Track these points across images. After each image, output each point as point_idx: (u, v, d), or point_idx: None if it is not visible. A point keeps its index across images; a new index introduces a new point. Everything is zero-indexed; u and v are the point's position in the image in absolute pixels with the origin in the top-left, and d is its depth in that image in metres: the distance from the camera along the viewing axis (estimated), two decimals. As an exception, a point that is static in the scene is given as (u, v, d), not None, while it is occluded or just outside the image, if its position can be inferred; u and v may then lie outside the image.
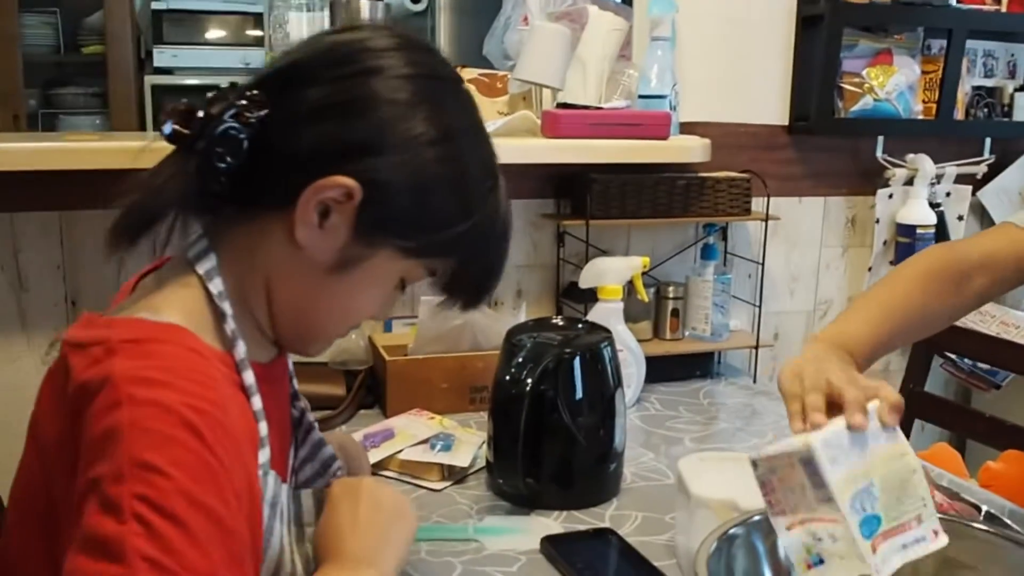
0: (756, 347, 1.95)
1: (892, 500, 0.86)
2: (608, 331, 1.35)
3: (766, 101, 2.03)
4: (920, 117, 2.14)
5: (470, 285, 0.91)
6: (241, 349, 0.79)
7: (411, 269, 0.87)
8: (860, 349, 1.03)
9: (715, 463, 1.12)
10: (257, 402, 0.79)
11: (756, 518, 0.94)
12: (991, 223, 2.31)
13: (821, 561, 0.84)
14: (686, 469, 1.10)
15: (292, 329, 0.87)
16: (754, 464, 0.88)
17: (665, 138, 1.73)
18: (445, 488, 1.33)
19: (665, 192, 1.80)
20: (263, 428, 0.79)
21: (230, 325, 0.79)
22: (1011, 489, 1.55)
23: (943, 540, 0.86)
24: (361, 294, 0.85)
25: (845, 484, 0.84)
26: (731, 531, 0.92)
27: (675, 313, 1.89)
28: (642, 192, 1.79)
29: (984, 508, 1.24)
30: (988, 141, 2.24)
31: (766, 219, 1.89)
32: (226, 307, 0.80)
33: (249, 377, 0.79)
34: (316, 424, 1.03)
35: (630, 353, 1.68)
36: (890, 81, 2.07)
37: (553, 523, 1.23)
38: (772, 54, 2.02)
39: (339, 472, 1.01)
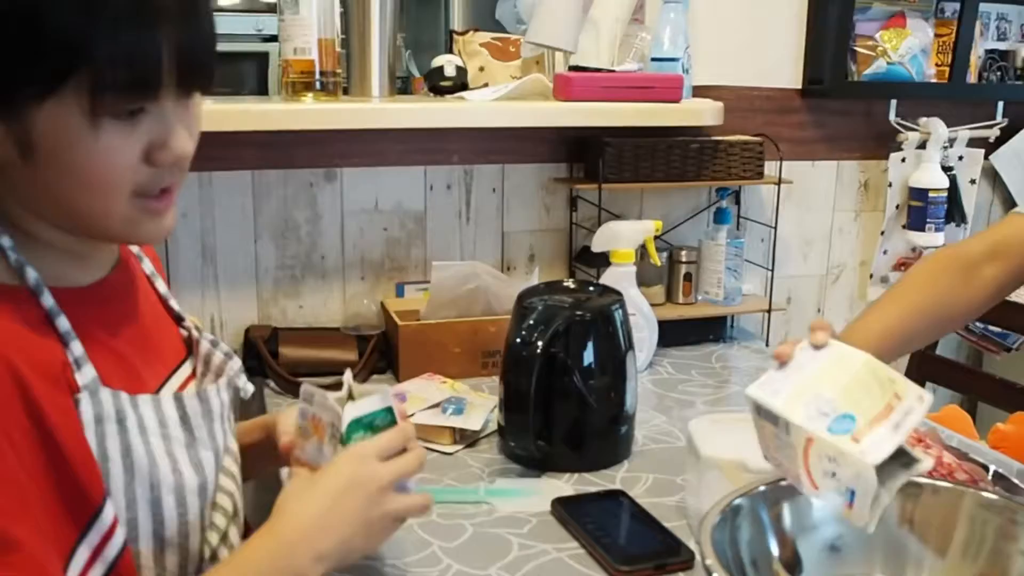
0: (769, 311, 1.95)
1: (860, 396, 0.86)
2: (619, 294, 1.35)
3: (779, 64, 2.02)
4: (933, 80, 2.12)
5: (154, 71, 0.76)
6: (31, 276, 0.78)
7: (85, 105, 0.73)
8: (873, 347, 1.03)
9: (726, 425, 1.13)
10: (63, 323, 0.78)
11: (761, 488, 0.94)
12: (1003, 187, 2.31)
13: (852, 492, 0.84)
14: (696, 431, 1.11)
15: (74, 228, 0.82)
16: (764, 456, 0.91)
17: (677, 101, 1.72)
18: (457, 452, 1.35)
19: (678, 156, 1.80)
20: (76, 348, 0.78)
21: (11, 256, 0.78)
22: (1020, 450, 1.56)
23: (929, 398, 0.85)
24: (75, 161, 0.75)
25: (791, 403, 0.87)
26: (736, 502, 0.93)
27: (688, 277, 1.89)
28: (655, 156, 1.78)
29: (992, 468, 1.25)
30: (1001, 105, 2.22)
31: (779, 183, 1.89)
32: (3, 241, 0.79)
33: (47, 301, 0.78)
34: (217, 347, 1.00)
35: (642, 317, 1.69)
36: (903, 44, 2.06)
37: (564, 485, 1.24)
38: (786, 17, 2.01)
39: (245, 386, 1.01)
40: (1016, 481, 1.21)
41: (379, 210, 1.78)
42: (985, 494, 0.98)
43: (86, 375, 0.78)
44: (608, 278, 1.66)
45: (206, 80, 0.81)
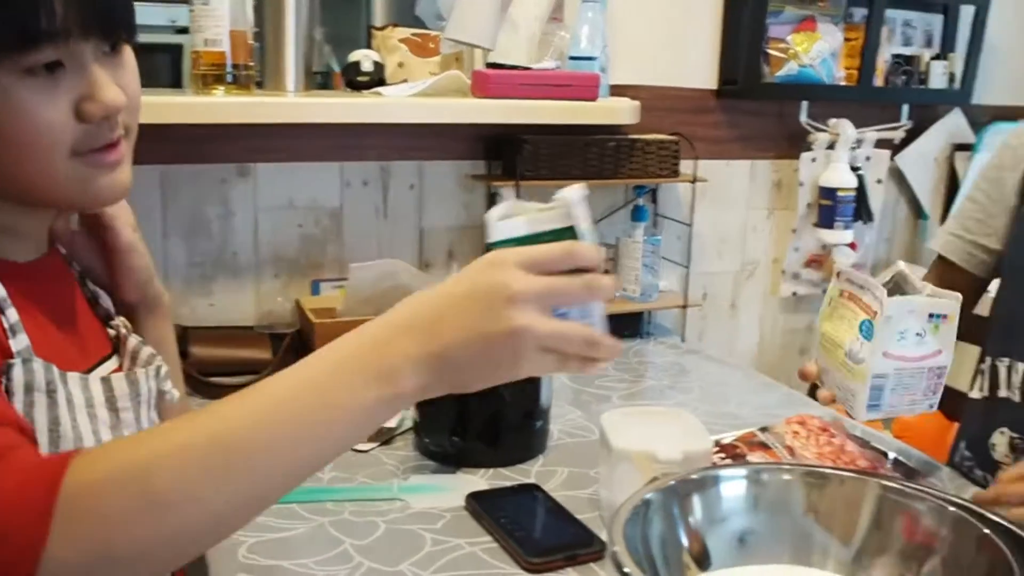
0: (685, 307, 1.98)
1: None
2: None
3: (695, 65, 2.05)
4: (842, 83, 2.18)
5: None
6: None
7: None
8: None
9: (637, 417, 1.15)
10: None
11: (672, 483, 0.94)
12: (908, 187, 2.38)
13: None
14: (608, 424, 1.12)
15: (24, 197, 0.80)
16: None
17: (594, 99, 1.74)
18: (372, 449, 1.34)
19: (595, 153, 1.82)
20: (11, 315, 0.76)
21: None
22: (922, 440, 1.62)
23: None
24: (1, 126, 0.74)
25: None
26: (647, 496, 0.93)
27: (605, 274, 1.90)
28: (572, 153, 1.80)
29: (892, 455, 1.28)
30: (906, 107, 2.29)
31: (694, 181, 1.92)
32: None
33: None
34: (145, 346, 0.97)
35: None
36: (814, 47, 2.11)
37: (479, 480, 1.24)
38: (701, 18, 2.04)
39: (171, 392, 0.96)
40: (915, 467, 1.25)
41: (294, 207, 1.76)
42: (887, 482, 1.01)
43: (20, 342, 0.76)
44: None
45: (120, 27, 0.79)
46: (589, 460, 1.29)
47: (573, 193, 0.74)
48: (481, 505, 1.14)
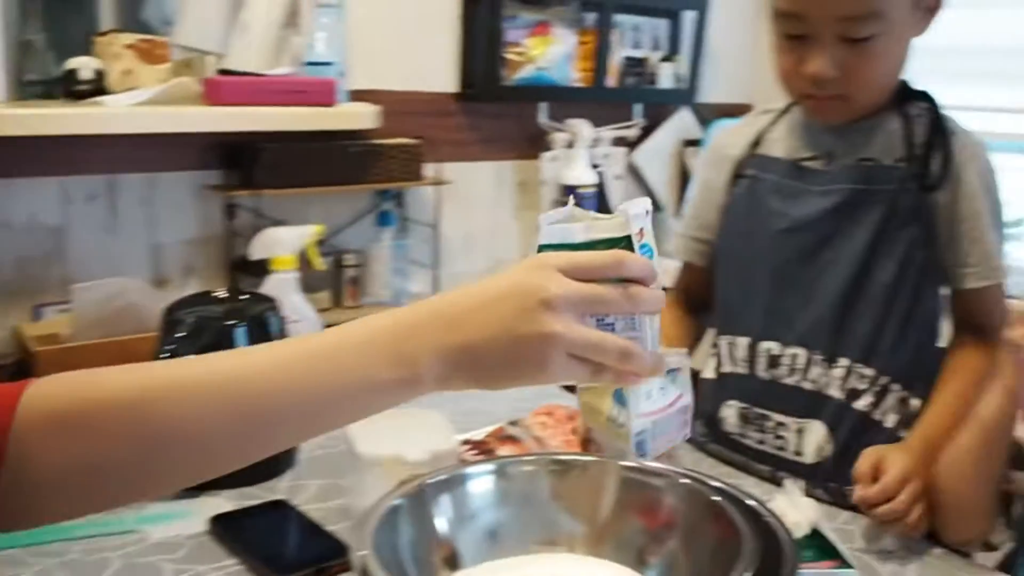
0: (436, 309, 1.99)
1: None
2: (272, 300, 1.31)
3: (435, 69, 2.07)
4: (578, 84, 2.27)
5: None
6: None
7: None
8: None
9: (385, 422, 1.12)
10: None
11: (418, 486, 0.94)
12: (646, 182, 2.51)
13: None
14: (355, 430, 1.10)
15: None
16: None
17: (331, 105, 1.71)
18: (109, 478, 1.25)
19: (338, 159, 1.79)
20: None
21: None
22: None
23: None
24: None
25: None
26: (395, 502, 0.92)
27: (354, 281, 1.89)
28: (313, 160, 1.76)
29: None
30: (639, 107, 2.41)
31: (438, 184, 1.93)
32: None
33: None
34: None
35: (308, 323, 1.65)
36: (549, 50, 2.18)
37: (224, 502, 1.18)
38: (439, 24, 2.06)
39: None
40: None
41: (9, 226, 1.62)
42: (627, 462, 1.05)
43: None
44: (270, 286, 1.61)
45: None
46: (340, 471, 1.27)
47: (635, 205, 0.71)
48: (226, 528, 1.09)
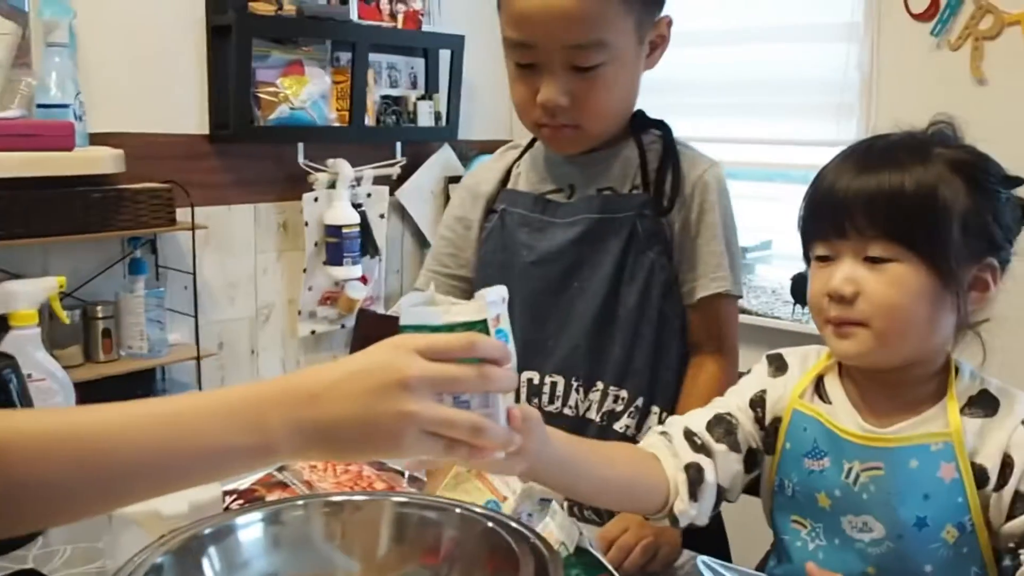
0: (198, 358, 1.92)
1: None
2: (10, 357, 1.23)
3: (184, 110, 2.01)
4: (336, 124, 2.26)
5: None
6: None
7: None
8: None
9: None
10: None
11: (183, 541, 0.88)
12: (411, 220, 2.53)
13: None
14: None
15: None
16: None
17: (70, 149, 1.62)
18: None
19: (80, 206, 1.70)
20: None
21: None
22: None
23: None
24: None
25: None
26: (157, 561, 0.86)
27: (107, 333, 1.79)
28: (52, 207, 1.66)
29: (408, 473, 1.34)
30: (399, 145, 2.44)
31: (193, 229, 1.87)
32: None
33: None
34: None
35: (54, 381, 1.55)
36: (304, 90, 2.17)
37: (-38, 579, 1.09)
38: (185, 63, 2.00)
39: None
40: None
41: None
42: (399, 498, 1.05)
43: None
44: (9, 343, 1.50)
45: None
46: (96, 532, 1.19)
47: (492, 292, 0.76)
48: (-36, 606, 1.00)
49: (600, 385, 1.29)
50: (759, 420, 1.10)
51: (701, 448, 1.07)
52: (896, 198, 0.92)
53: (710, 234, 1.25)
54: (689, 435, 1.07)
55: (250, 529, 0.92)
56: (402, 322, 0.76)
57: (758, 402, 1.10)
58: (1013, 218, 0.97)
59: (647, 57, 1.25)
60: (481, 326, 0.76)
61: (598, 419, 1.30)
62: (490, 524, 0.89)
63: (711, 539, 1.10)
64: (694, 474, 1.04)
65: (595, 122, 1.22)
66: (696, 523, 1.03)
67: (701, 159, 1.29)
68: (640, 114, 1.31)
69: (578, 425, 1.29)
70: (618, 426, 1.29)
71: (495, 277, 1.35)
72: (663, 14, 1.23)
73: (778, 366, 1.11)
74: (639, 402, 1.28)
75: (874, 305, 0.93)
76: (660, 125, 1.31)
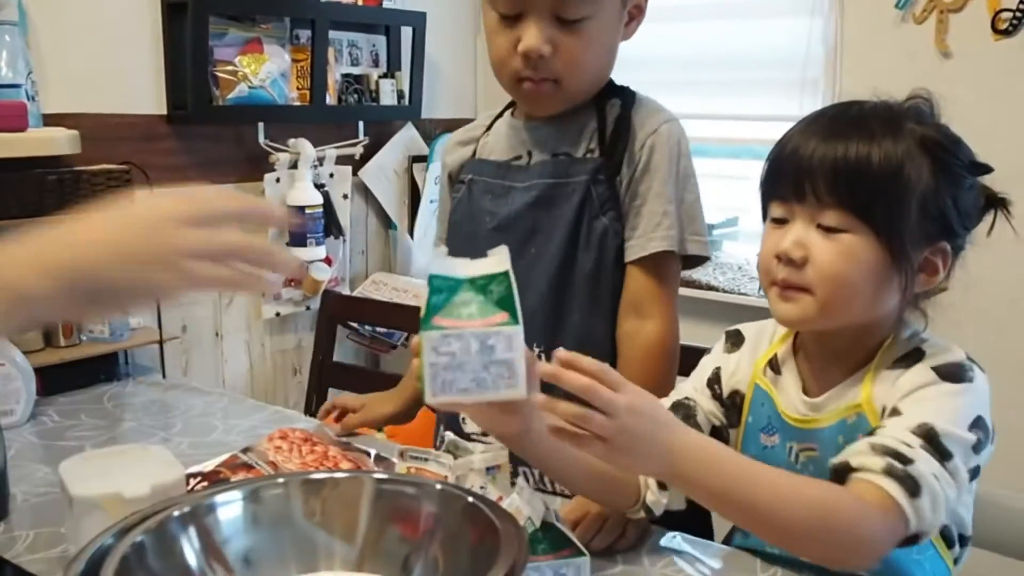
0: (161, 341, 1.89)
1: None
2: (-36, 341, 1.20)
3: (140, 90, 1.97)
4: (296, 103, 2.23)
5: None
6: None
7: None
8: None
9: (100, 460, 1.07)
10: None
11: (165, 517, 0.87)
12: (375, 200, 2.51)
13: None
14: (67, 472, 1.03)
15: None
16: None
17: (23, 130, 1.59)
18: None
19: (34, 189, 1.66)
20: None
21: None
22: (412, 436, 1.71)
23: None
24: None
25: None
26: (137, 539, 0.84)
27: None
28: (6, 190, 1.63)
29: (373, 452, 1.34)
30: (362, 124, 2.42)
31: (153, 210, 1.84)
32: None
33: None
34: None
35: (14, 366, 1.53)
36: (263, 69, 2.14)
37: (-79, 566, 1.07)
38: (140, 42, 1.97)
39: None
40: (393, 459, 1.30)
41: None
42: (380, 474, 1.04)
43: None
44: (-35, 329, 1.48)
45: None
46: (59, 517, 1.18)
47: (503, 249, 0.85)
48: (-78, 595, 0.98)
49: (538, 348, 1.28)
50: (717, 396, 1.11)
51: None
52: (860, 169, 0.91)
53: (652, 192, 1.23)
54: None
55: (230, 507, 0.91)
56: (430, 271, 0.81)
57: (714, 379, 1.11)
58: (974, 206, 0.96)
59: (625, 27, 1.25)
60: (503, 277, 0.82)
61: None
62: (470, 499, 0.89)
63: (694, 517, 1.11)
64: None
65: (574, 78, 1.21)
66: (672, 508, 1.04)
67: (656, 115, 1.27)
68: (609, 83, 1.30)
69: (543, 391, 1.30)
70: (556, 393, 1.30)
71: (462, 248, 1.35)
72: None
73: (734, 341, 1.12)
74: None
75: (821, 273, 0.93)
76: (623, 91, 1.30)
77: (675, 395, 1.13)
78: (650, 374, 1.20)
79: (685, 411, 1.09)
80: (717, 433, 1.10)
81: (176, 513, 0.88)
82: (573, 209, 1.25)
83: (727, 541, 1.17)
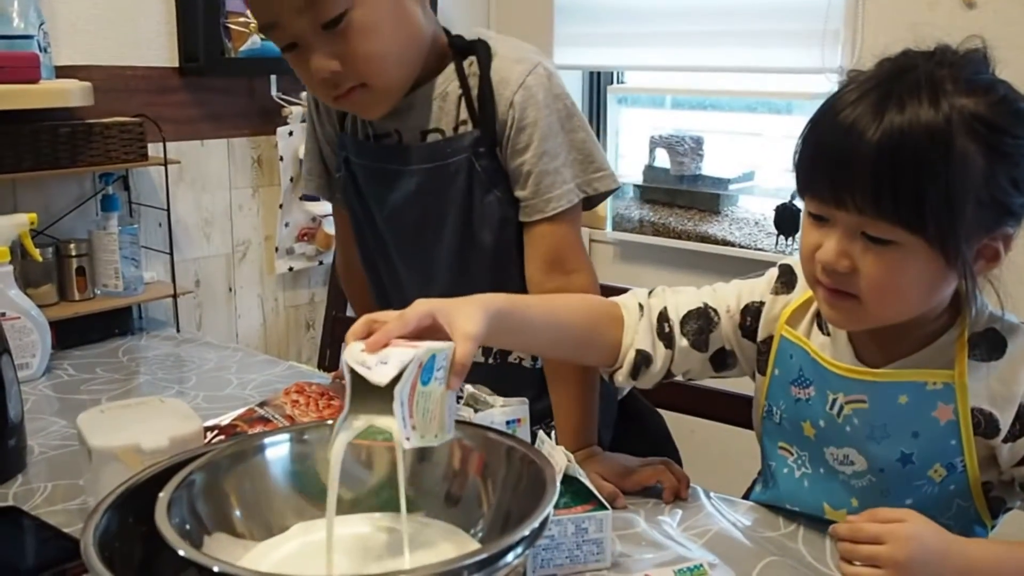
0: (175, 296, 1.89)
1: None
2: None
3: (152, 42, 1.95)
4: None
5: None
6: None
7: None
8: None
9: (117, 412, 1.07)
10: None
11: (214, 458, 0.87)
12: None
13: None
14: (85, 424, 1.03)
15: None
16: None
17: (36, 81, 1.57)
18: None
19: (47, 141, 1.65)
20: None
21: None
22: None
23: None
24: None
25: None
26: (192, 477, 0.84)
27: (81, 271, 1.75)
28: (19, 143, 1.62)
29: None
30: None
31: (165, 164, 1.83)
32: None
33: None
34: None
35: (29, 319, 1.53)
36: (274, 20, 2.10)
37: (-58, 516, 1.08)
38: (152, -8, 1.94)
39: None
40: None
41: None
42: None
43: None
44: (-20, 282, 1.48)
45: None
46: (77, 470, 1.18)
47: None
48: (-55, 544, 0.99)
49: None
50: (745, 327, 1.07)
51: (665, 336, 1.07)
52: (906, 179, 0.83)
53: (535, 151, 1.16)
54: (663, 318, 1.08)
55: (277, 448, 0.91)
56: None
57: (753, 313, 1.07)
58: None
59: None
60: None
61: (489, 360, 1.29)
62: (512, 443, 0.89)
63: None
64: (640, 360, 1.07)
65: (376, 73, 1.12)
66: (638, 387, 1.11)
67: (516, 67, 1.17)
68: (457, 40, 1.20)
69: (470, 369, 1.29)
70: (511, 359, 1.29)
71: (367, 233, 1.31)
72: None
73: (784, 282, 1.06)
74: None
75: (869, 285, 0.87)
76: (477, 47, 1.19)
77: (707, 297, 1.09)
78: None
79: (703, 322, 1.07)
80: (722, 356, 1.08)
81: (229, 452, 0.88)
82: (460, 190, 1.19)
83: (747, 495, 1.17)
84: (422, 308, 0.88)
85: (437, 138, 1.20)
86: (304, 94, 2.18)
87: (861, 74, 0.90)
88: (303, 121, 2.19)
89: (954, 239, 0.84)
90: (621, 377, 1.07)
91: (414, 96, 1.19)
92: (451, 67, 1.19)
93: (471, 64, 1.18)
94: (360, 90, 1.12)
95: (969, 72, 0.86)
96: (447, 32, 1.22)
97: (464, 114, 1.18)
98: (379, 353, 0.82)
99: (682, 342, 1.07)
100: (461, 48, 1.20)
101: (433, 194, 1.21)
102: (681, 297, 1.09)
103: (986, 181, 0.84)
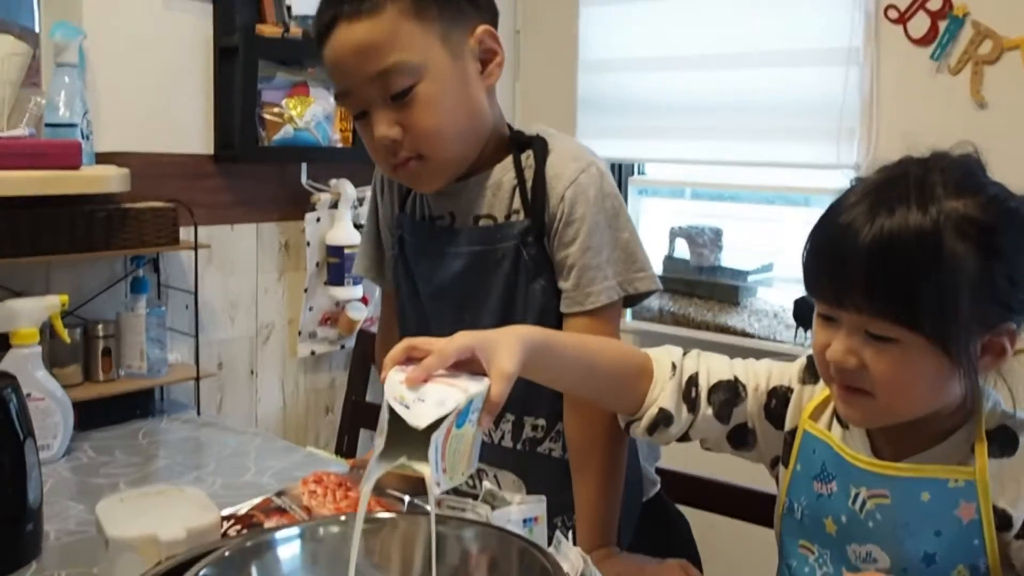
0: (197, 378, 1.91)
1: None
2: (12, 377, 1.23)
3: (189, 130, 2.01)
4: (339, 145, 2.26)
5: None
6: None
7: None
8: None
9: (136, 501, 1.08)
10: None
11: (227, 553, 0.87)
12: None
13: None
14: (103, 512, 1.04)
15: None
16: None
17: (76, 167, 1.62)
18: None
19: (84, 225, 1.70)
20: None
21: None
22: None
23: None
24: None
25: None
26: (202, 573, 0.85)
27: (107, 352, 1.78)
28: (58, 226, 1.66)
29: (407, 499, 1.34)
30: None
31: (196, 247, 1.87)
32: None
33: None
34: None
35: (53, 400, 1.55)
36: (308, 111, 2.17)
37: (-43, 602, 1.08)
38: (192, 84, 2.01)
39: None
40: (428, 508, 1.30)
41: None
42: (434, 514, 1.04)
43: None
44: (9, 362, 1.51)
45: None
46: (93, 558, 1.19)
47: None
48: (-42, 631, 0.99)
49: (511, 416, 1.27)
50: (769, 409, 1.08)
51: (691, 400, 1.08)
52: (898, 281, 0.86)
53: (580, 246, 1.19)
54: (692, 382, 1.08)
55: (288, 546, 0.92)
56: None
57: (780, 396, 1.08)
58: None
59: (481, 73, 1.21)
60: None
61: (518, 447, 1.29)
62: (524, 544, 0.89)
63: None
64: (660, 418, 1.07)
65: (433, 147, 1.17)
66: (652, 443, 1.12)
67: (571, 165, 1.21)
68: (518, 135, 1.26)
69: (497, 452, 1.29)
70: (541, 449, 1.29)
71: (409, 312, 1.34)
72: (482, 25, 1.20)
73: (811, 372, 1.07)
74: (559, 426, 1.26)
75: (879, 382, 0.90)
76: (535, 142, 1.24)
77: (740, 371, 1.10)
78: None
79: (731, 395, 1.07)
80: (743, 432, 1.08)
81: (237, 550, 0.89)
82: (504, 275, 1.22)
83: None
84: (462, 342, 0.90)
85: (489, 223, 1.24)
86: (334, 181, 2.23)
87: (863, 180, 0.94)
88: (331, 207, 2.24)
89: (953, 336, 0.87)
90: (639, 430, 1.08)
91: (471, 181, 1.24)
92: (509, 159, 1.24)
93: (528, 157, 1.24)
94: (416, 162, 1.17)
95: (959, 175, 0.89)
96: (510, 127, 1.28)
97: (517, 203, 1.23)
98: (418, 390, 0.84)
99: (707, 411, 1.08)
100: (520, 142, 1.25)
101: (478, 276, 1.24)
102: (714, 364, 1.11)
103: (981, 279, 0.86)
